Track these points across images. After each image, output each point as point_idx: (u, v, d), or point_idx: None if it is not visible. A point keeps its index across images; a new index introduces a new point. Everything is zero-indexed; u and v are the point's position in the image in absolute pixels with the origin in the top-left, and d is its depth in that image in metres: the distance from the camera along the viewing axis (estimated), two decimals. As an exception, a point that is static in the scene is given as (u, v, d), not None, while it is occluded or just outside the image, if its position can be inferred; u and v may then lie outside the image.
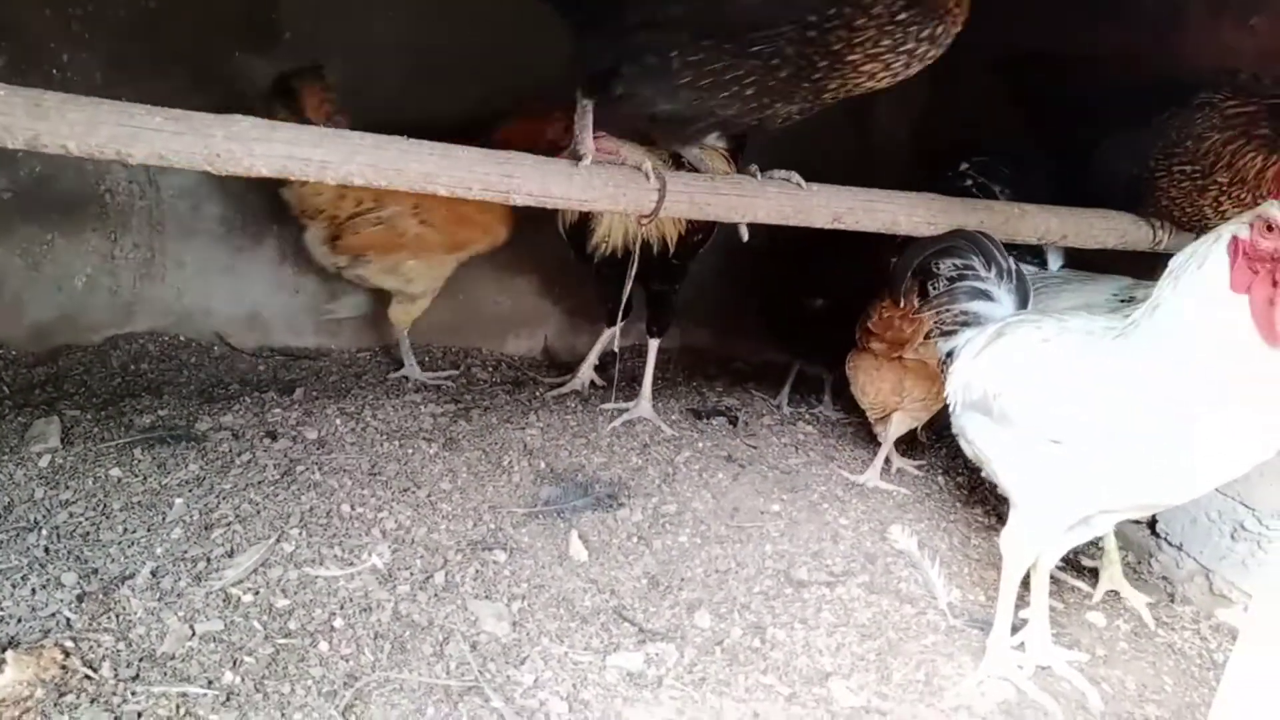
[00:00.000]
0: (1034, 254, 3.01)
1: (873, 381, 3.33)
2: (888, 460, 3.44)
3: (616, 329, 3.47)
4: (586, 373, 3.62)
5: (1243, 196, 2.56)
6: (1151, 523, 3.05)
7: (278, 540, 2.47)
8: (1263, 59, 2.34)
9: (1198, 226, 2.71)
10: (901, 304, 2.59)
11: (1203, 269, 1.94)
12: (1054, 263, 3.05)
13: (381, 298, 3.62)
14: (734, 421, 3.67)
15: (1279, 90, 2.58)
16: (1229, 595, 2.82)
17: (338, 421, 3.20)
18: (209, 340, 3.74)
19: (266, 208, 3.57)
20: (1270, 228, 1.84)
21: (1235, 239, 1.89)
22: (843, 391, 3.90)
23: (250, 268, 3.73)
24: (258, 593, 2.25)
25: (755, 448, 3.49)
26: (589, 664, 2.18)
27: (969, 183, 3.07)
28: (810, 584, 2.66)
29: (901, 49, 2.03)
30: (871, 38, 2.00)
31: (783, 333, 3.92)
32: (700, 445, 3.42)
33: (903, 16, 2.01)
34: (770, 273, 3.73)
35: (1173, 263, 2.04)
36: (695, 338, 4.40)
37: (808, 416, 3.87)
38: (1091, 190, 2.84)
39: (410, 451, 3.07)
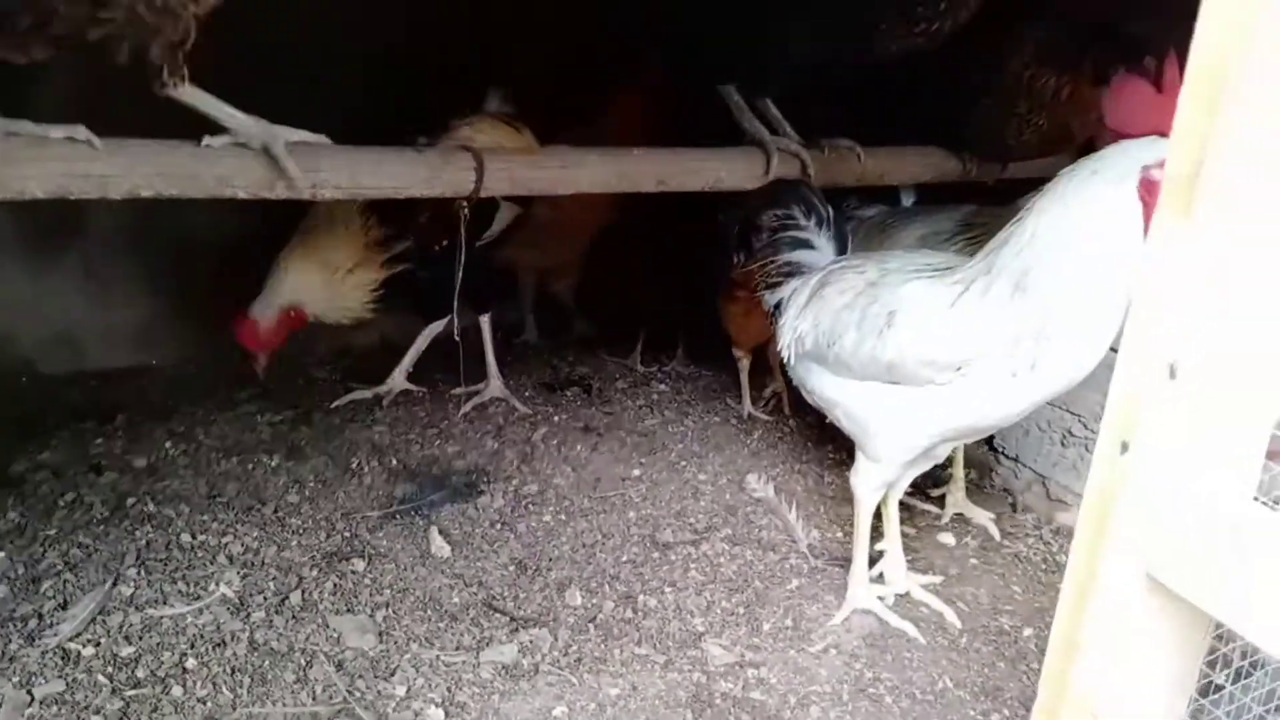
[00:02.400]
0: (890, 192, 3.10)
1: (744, 328, 3.42)
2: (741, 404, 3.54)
3: (439, 325, 3.36)
4: (399, 379, 3.44)
5: (1040, 121, 2.68)
6: (989, 438, 3.21)
7: (114, 583, 2.32)
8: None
9: (1000, 156, 2.83)
10: (732, 260, 2.60)
11: (1092, 205, 1.93)
12: (906, 199, 3.17)
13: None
14: (588, 390, 3.66)
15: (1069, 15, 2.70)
16: (1065, 499, 3.01)
17: (168, 445, 3.03)
18: (15, 370, 3.45)
19: (66, 218, 3.31)
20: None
21: (1147, 181, 1.84)
22: (693, 347, 3.97)
23: (54, 285, 3.45)
24: (99, 644, 2.11)
25: (611, 414, 3.49)
26: (462, 664, 2.15)
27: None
28: (676, 545, 2.69)
29: None
30: None
31: (636, 295, 3.92)
32: (557, 419, 3.40)
33: None
34: (618, 243, 3.72)
35: (1039, 205, 2.01)
36: (543, 310, 4.34)
37: (660, 375, 3.89)
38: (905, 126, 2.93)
39: (250, 467, 2.93)
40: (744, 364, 3.53)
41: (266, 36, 2.91)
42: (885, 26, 2.43)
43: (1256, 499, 1.27)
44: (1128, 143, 1.94)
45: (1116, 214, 1.90)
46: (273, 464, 2.96)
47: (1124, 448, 1.27)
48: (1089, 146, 2.67)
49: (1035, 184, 2.45)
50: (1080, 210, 1.95)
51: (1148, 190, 1.85)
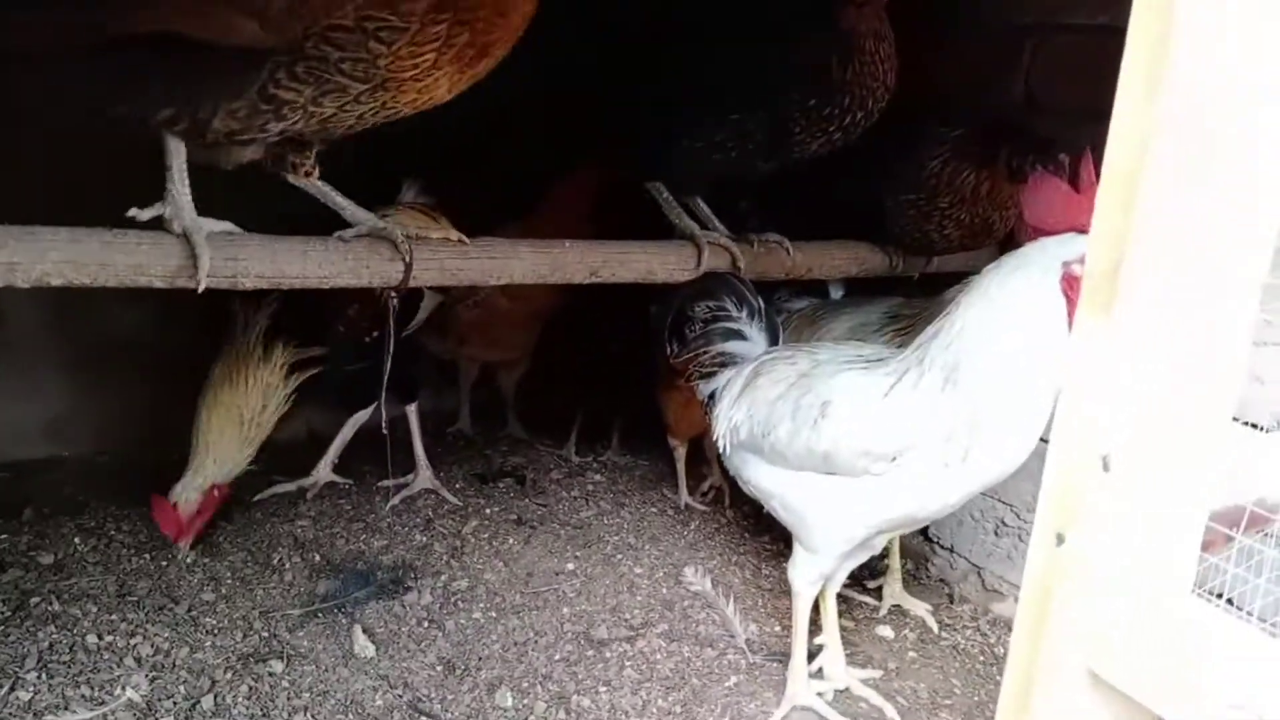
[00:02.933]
0: (820, 285, 3.14)
1: (684, 417, 3.38)
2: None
3: (364, 415, 3.27)
4: (324, 471, 3.31)
5: (961, 216, 2.74)
6: (924, 528, 3.20)
7: (11, 689, 2.17)
8: (963, 87, 2.52)
9: (925, 250, 2.89)
10: (667, 351, 2.59)
11: (1016, 299, 1.98)
12: (835, 293, 3.21)
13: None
14: (521, 481, 3.58)
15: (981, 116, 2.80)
16: (1000, 589, 2.99)
17: (76, 540, 2.87)
18: (-86, 464, 3.28)
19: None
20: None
21: (1071, 277, 1.88)
22: (629, 436, 3.92)
23: (-40, 376, 3.30)
24: (-12, 756, 1.95)
25: (545, 505, 3.41)
26: (382, 774, 2.02)
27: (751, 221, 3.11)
28: (611, 641, 2.60)
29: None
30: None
31: (571, 384, 3.88)
32: (488, 511, 3.30)
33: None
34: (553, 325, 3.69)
35: (966, 300, 2.07)
36: (476, 398, 4.26)
37: (595, 465, 3.82)
38: (832, 221, 2.98)
39: (164, 563, 2.78)
40: (680, 453, 3.49)
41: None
42: (800, 131, 2.51)
43: (1195, 592, 1.25)
44: (1048, 240, 1.99)
45: (1040, 308, 1.95)
46: (188, 560, 2.81)
47: (1059, 539, 1.26)
48: (1010, 239, 2.76)
49: (960, 276, 2.52)
50: (1005, 305, 2.00)
51: (1070, 285, 1.90)
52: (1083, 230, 1.90)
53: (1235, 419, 1.84)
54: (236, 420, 2.87)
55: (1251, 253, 1.10)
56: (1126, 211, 1.15)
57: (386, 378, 2.57)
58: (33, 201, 1.78)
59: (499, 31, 1.89)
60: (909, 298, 2.96)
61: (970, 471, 2.08)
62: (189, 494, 2.80)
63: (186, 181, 1.90)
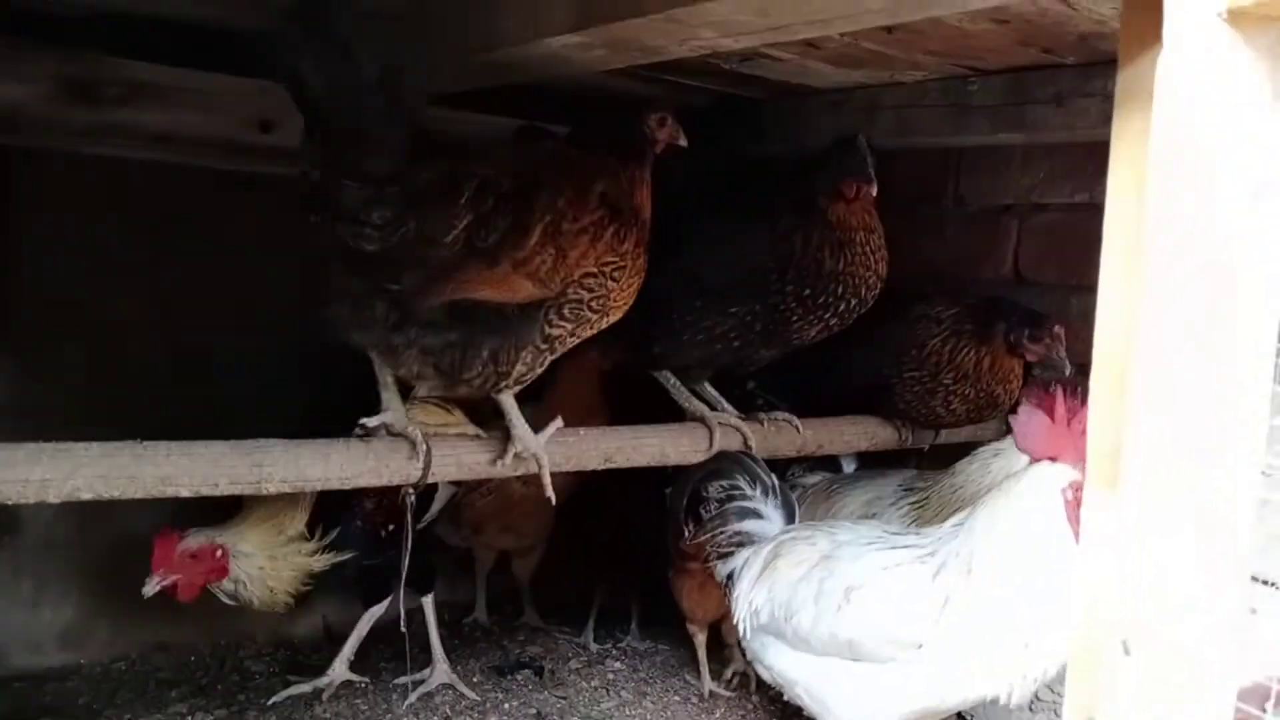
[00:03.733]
0: (830, 461, 3.17)
1: (700, 602, 3.30)
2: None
3: (379, 609, 3.24)
4: (340, 669, 3.22)
5: (966, 392, 2.80)
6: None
7: None
8: (954, 265, 2.64)
9: (933, 424, 2.93)
10: (683, 533, 2.60)
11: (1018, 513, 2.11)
12: (848, 466, 3.24)
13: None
14: (540, 673, 3.49)
15: (972, 294, 2.92)
16: (1037, 768, 2.87)
17: (90, 753, 2.79)
18: (-67, 675, 3.22)
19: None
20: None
21: (1071, 503, 2.03)
22: (649, 619, 3.85)
23: (-20, 587, 3.29)
24: None
25: (565, 698, 3.31)
26: None
27: (759, 400, 3.18)
28: (638, 845, 2.48)
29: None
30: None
31: (586, 569, 3.84)
32: (506, 706, 3.21)
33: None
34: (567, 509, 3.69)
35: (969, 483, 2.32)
36: (491, 589, 4.21)
37: (615, 651, 3.73)
38: (840, 397, 3.04)
39: (177, 776, 2.70)
40: (699, 639, 3.41)
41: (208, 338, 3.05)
42: (797, 320, 2.67)
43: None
44: (1043, 470, 2.12)
45: (1048, 530, 2.07)
46: (201, 767, 2.73)
47: (1090, 725, 1.24)
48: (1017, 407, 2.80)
49: (969, 447, 2.56)
50: (1017, 528, 2.10)
51: (1072, 510, 2.03)
52: (1063, 457, 2.08)
53: (1258, 579, 1.83)
54: (274, 526, 2.91)
55: (1244, 419, 1.14)
56: (1120, 394, 1.20)
57: (404, 571, 2.56)
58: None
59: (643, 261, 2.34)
60: (920, 469, 2.99)
61: (996, 664, 2.08)
62: (199, 538, 2.80)
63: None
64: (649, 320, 2.60)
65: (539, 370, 2.34)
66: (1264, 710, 1.28)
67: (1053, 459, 2.09)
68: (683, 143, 2.43)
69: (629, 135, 2.37)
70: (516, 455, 2.29)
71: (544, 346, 2.23)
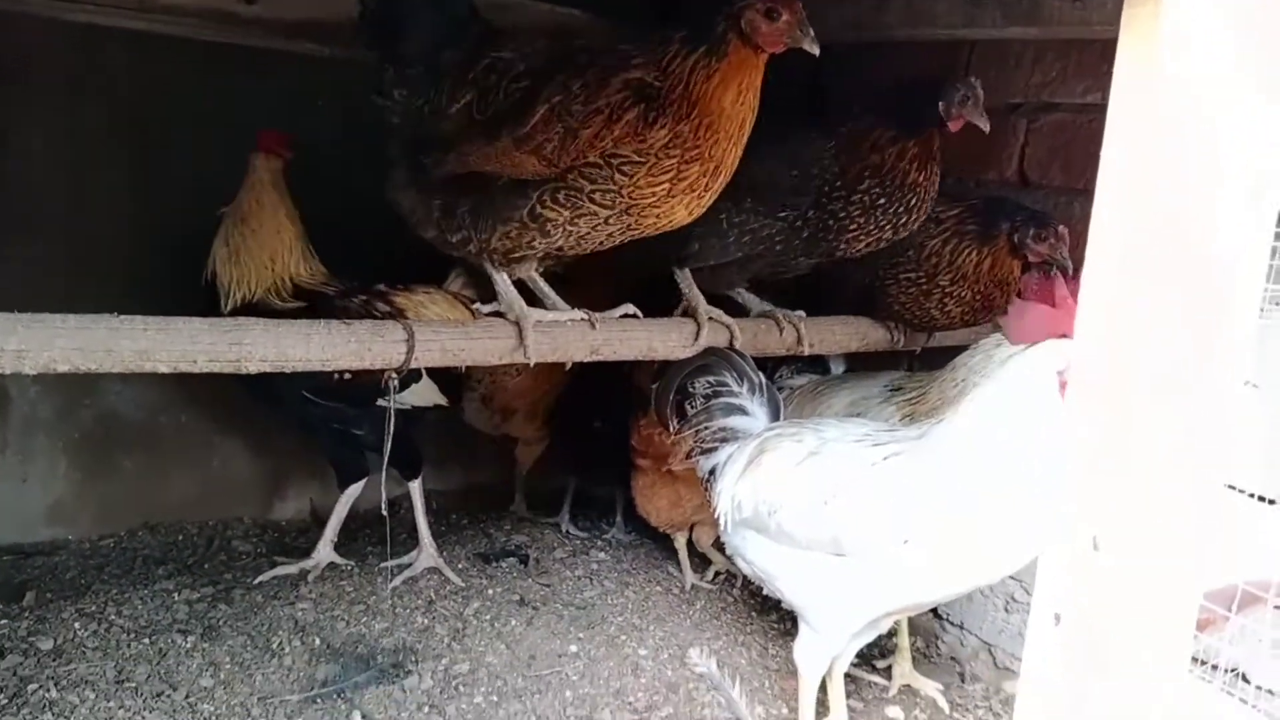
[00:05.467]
0: (819, 362, 3.18)
1: (650, 500, 3.38)
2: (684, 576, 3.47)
3: (357, 489, 3.30)
4: (325, 552, 3.29)
5: (963, 294, 2.79)
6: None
7: (4, 780, 2.15)
8: (957, 165, 2.61)
9: (927, 326, 2.92)
10: (668, 427, 2.61)
11: (1009, 395, 2.09)
12: (837, 368, 3.25)
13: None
14: (525, 561, 3.56)
15: (978, 192, 2.87)
16: (1011, 667, 2.96)
17: (76, 625, 2.86)
18: (-83, 548, 3.29)
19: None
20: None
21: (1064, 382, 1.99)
22: (630, 512, 3.91)
23: (-34, 461, 3.34)
24: None
25: (548, 586, 3.39)
26: None
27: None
28: (614, 727, 2.57)
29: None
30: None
31: (567, 455, 3.89)
32: (490, 592, 3.28)
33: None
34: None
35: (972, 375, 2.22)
36: (478, 475, 4.28)
37: (599, 542, 3.81)
38: (834, 299, 3.02)
39: (163, 648, 2.77)
40: (680, 540, 3.47)
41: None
42: (855, 230, 2.72)
43: (1195, 671, 1.25)
44: (1037, 352, 2.08)
45: (1041, 414, 2.02)
46: (187, 645, 2.80)
47: (1057, 619, 1.26)
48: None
49: (961, 349, 2.55)
50: (1009, 417, 2.08)
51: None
52: (1065, 336, 2.01)
53: (1239, 490, 1.85)
54: None
55: (1230, 321, 1.13)
56: (1112, 291, 1.19)
57: (386, 455, 2.58)
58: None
59: (721, 162, 2.26)
60: (910, 370, 2.99)
61: (980, 560, 2.11)
62: None
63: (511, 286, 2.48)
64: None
65: (530, 250, 2.36)
66: (1229, 611, 1.30)
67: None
68: (810, 48, 2.22)
69: (707, 18, 2.23)
70: (499, 314, 2.39)
71: (533, 225, 2.28)
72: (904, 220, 2.68)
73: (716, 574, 3.54)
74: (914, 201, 2.66)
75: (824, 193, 2.67)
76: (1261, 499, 1.87)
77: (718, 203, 2.49)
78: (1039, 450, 1.99)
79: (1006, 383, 2.10)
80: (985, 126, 2.60)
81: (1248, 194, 1.09)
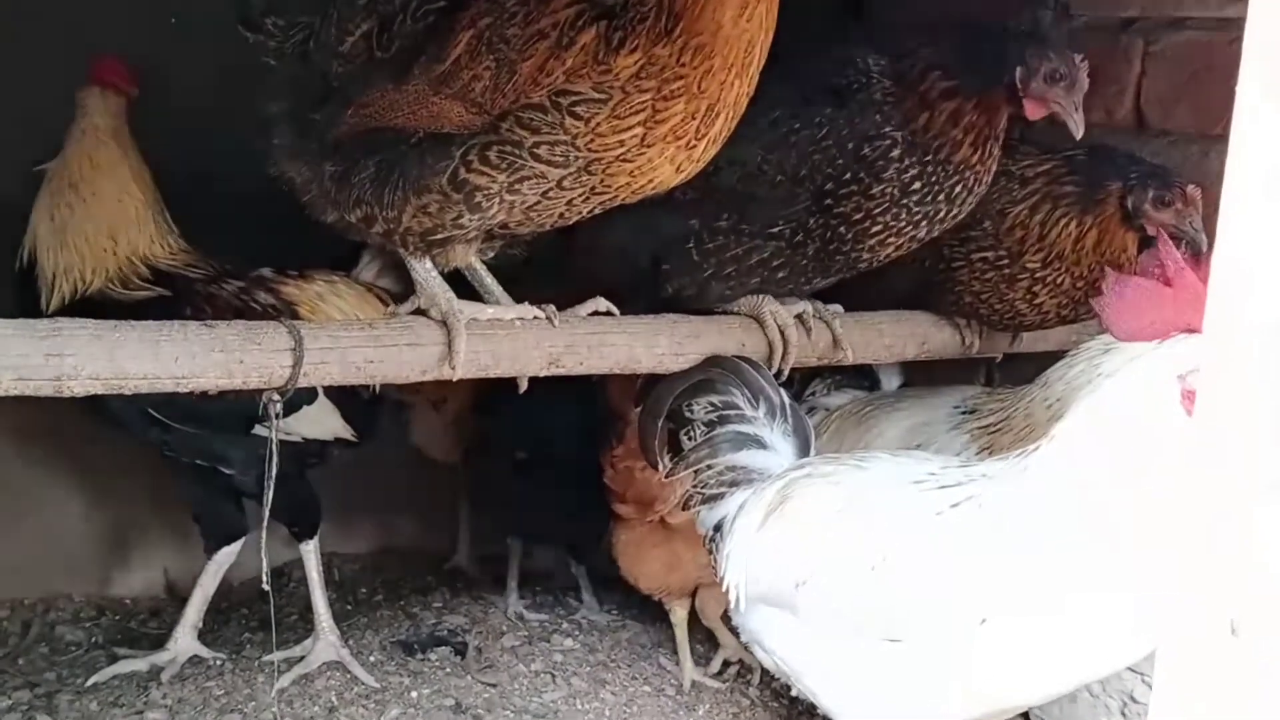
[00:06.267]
0: (865, 375, 3.21)
1: (637, 561, 3.39)
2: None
3: (231, 553, 3.29)
4: (185, 641, 3.28)
5: (1059, 279, 2.80)
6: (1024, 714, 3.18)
7: None
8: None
9: (1010, 324, 2.94)
10: (656, 465, 2.61)
11: (1117, 414, 2.06)
12: (890, 382, 3.29)
13: None
14: (461, 651, 3.56)
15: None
16: (1129, 790, 2.97)
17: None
18: None
19: None
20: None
21: (1187, 392, 1.96)
22: (609, 581, 3.92)
23: None
24: None
25: (495, 685, 3.38)
26: None
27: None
28: None
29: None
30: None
31: (501, 507, 3.90)
32: (414, 695, 3.28)
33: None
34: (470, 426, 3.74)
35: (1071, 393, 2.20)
36: (398, 534, 4.29)
37: (565, 626, 3.81)
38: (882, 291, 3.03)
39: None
40: (678, 614, 3.47)
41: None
42: (879, 231, 2.69)
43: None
44: (1151, 350, 2.06)
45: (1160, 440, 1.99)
46: (-4, 778, 2.80)
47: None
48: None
49: (1058, 356, 2.56)
50: (1114, 443, 2.06)
51: (1190, 402, 1.93)
52: (1190, 330, 1.99)
53: None
54: None
55: None
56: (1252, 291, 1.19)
57: (268, 505, 2.57)
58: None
59: (719, 100, 2.21)
60: (990, 385, 3.00)
61: (1087, 645, 2.11)
62: None
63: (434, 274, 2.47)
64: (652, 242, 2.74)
65: (460, 231, 2.38)
66: None
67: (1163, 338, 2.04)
68: None
69: None
70: (419, 312, 2.42)
71: (456, 196, 2.28)
72: (944, 213, 2.65)
73: (726, 664, 3.55)
74: (959, 189, 2.63)
75: (827, 187, 2.64)
76: None
77: (687, 214, 2.57)
78: (1162, 492, 1.99)
79: (1111, 401, 2.09)
80: (1078, 129, 2.56)
81: None
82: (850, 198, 2.62)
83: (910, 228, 2.65)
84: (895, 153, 2.59)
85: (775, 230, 2.68)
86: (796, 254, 2.70)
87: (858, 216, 2.63)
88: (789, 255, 2.70)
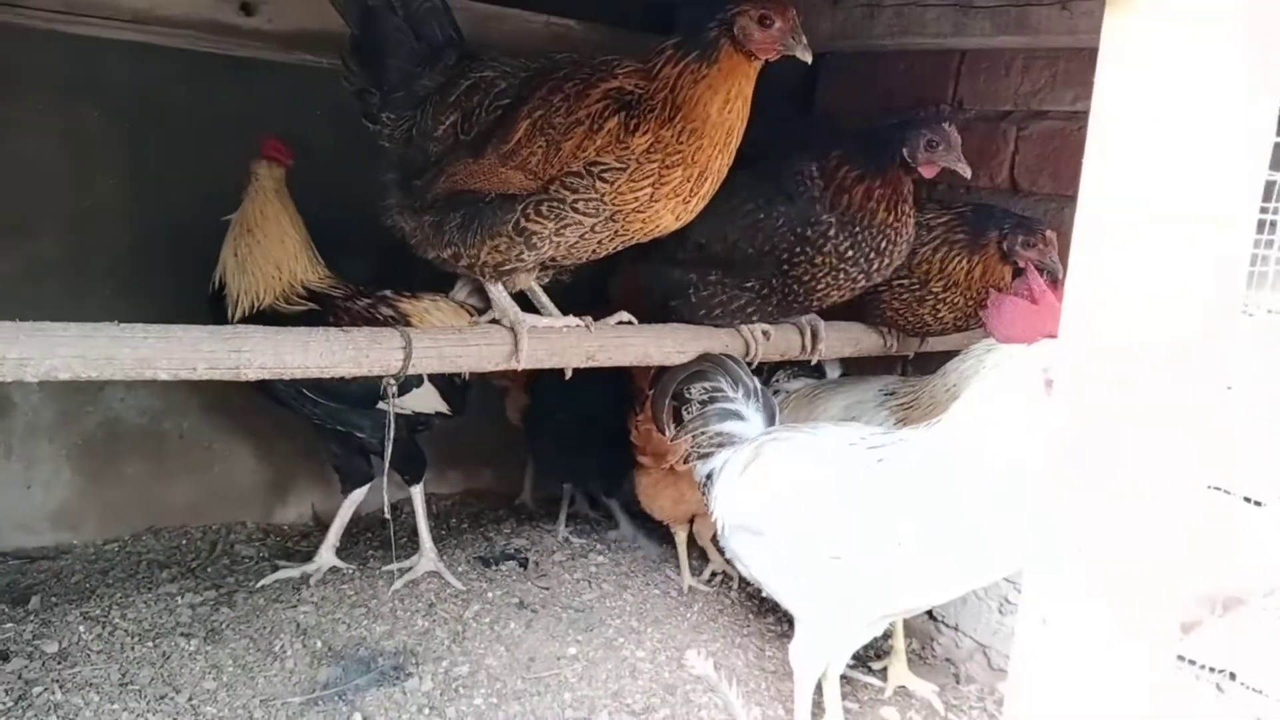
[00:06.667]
0: (816, 367, 3.18)
1: (654, 498, 3.39)
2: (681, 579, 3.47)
3: (360, 494, 3.30)
4: (327, 556, 3.31)
5: (955, 300, 2.79)
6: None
7: (8, 782, 2.15)
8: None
9: (920, 331, 2.93)
10: (663, 431, 2.61)
11: (995, 398, 2.09)
12: (833, 372, 3.27)
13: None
14: (524, 564, 3.56)
15: (968, 198, 2.87)
16: (1006, 668, 2.95)
17: (81, 629, 2.86)
18: (-78, 553, 3.29)
19: (-11, 396, 3.25)
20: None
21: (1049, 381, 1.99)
22: (635, 512, 3.91)
23: (-27, 466, 3.34)
24: None
25: (548, 589, 3.39)
26: None
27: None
28: (612, 728, 2.57)
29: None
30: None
31: (550, 457, 3.88)
32: (490, 595, 3.28)
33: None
34: (530, 398, 3.70)
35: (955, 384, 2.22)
36: (479, 479, 4.29)
37: (598, 545, 3.80)
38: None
39: (166, 652, 2.77)
40: (680, 535, 3.48)
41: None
42: (826, 281, 2.68)
43: (1181, 668, 1.25)
44: (1020, 351, 2.09)
45: (1026, 416, 2.03)
46: (190, 648, 2.80)
47: (1044, 621, 1.26)
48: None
49: (954, 354, 2.55)
50: (993, 418, 2.09)
51: (1049, 387, 1.97)
52: (1049, 336, 2.00)
53: (1224, 491, 1.84)
54: None
55: (1212, 325, 1.13)
56: (1091, 308, 1.19)
57: (388, 459, 2.59)
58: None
59: (707, 168, 2.24)
60: (904, 375, 2.99)
61: (970, 563, 2.11)
62: None
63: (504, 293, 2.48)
64: (665, 286, 2.77)
65: (521, 264, 2.37)
66: (1213, 613, 1.30)
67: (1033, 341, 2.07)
68: (803, 55, 2.21)
69: (704, 27, 2.22)
70: (495, 321, 2.40)
71: (519, 240, 2.29)
72: (877, 265, 2.62)
73: (714, 575, 3.54)
74: (884, 244, 2.60)
75: (784, 258, 2.63)
76: (1247, 500, 1.86)
77: (688, 269, 2.61)
78: (1025, 453, 1.99)
79: (990, 386, 2.11)
80: (965, 172, 2.56)
81: (1225, 197, 1.09)
82: (799, 265, 2.62)
83: (849, 281, 2.64)
84: (831, 232, 2.58)
85: (748, 285, 2.68)
86: (764, 302, 2.71)
87: (806, 278, 2.63)
88: (759, 303, 2.71)
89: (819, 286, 2.65)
